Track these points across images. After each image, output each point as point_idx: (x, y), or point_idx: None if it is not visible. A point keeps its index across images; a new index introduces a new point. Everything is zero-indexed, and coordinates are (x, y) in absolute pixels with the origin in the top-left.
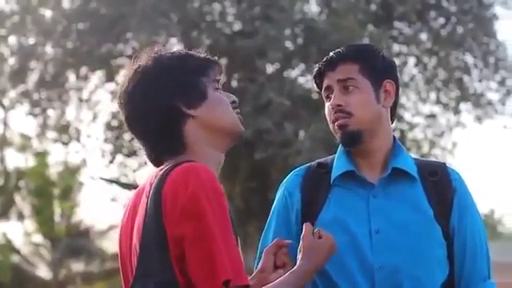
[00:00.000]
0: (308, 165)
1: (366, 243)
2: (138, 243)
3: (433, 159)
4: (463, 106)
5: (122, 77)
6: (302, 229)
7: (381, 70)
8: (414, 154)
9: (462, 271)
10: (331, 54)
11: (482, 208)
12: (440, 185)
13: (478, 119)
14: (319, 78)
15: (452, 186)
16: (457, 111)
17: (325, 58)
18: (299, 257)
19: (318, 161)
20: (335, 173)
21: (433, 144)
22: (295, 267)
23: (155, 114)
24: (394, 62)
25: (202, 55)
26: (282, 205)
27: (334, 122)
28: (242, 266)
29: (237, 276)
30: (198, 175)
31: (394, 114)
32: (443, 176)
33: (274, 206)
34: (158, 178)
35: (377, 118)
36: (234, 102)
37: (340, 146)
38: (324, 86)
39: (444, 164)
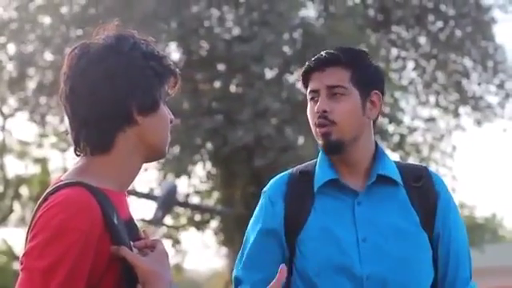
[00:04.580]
0: (290, 172)
1: (354, 252)
2: None
3: (414, 162)
4: (462, 109)
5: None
6: (287, 240)
7: (371, 80)
8: (413, 158)
9: (445, 275)
10: (323, 53)
11: (483, 211)
12: (424, 190)
13: (478, 122)
14: (306, 77)
15: (435, 190)
16: (456, 114)
17: (315, 57)
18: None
19: (299, 168)
20: (318, 181)
21: (432, 148)
22: None
23: (106, 106)
24: (383, 73)
25: (166, 61)
26: (265, 213)
27: (316, 126)
28: None
29: None
30: (53, 215)
31: (375, 124)
32: (426, 181)
33: (256, 213)
34: (38, 205)
35: (360, 129)
36: (171, 121)
37: (321, 151)
38: (310, 88)
39: (426, 168)
